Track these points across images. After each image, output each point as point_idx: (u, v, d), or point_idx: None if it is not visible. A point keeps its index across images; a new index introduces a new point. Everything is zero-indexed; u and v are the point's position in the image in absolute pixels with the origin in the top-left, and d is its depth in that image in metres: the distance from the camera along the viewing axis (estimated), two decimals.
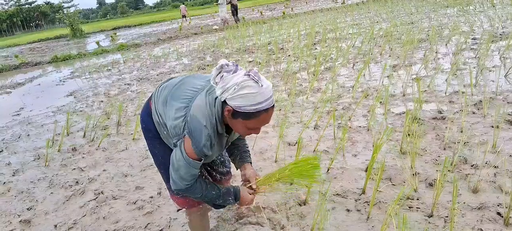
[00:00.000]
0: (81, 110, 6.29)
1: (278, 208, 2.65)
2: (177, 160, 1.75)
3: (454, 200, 2.13)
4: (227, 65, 1.65)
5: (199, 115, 1.66)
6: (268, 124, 1.78)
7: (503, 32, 7.53)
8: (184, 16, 32.07)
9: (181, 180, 1.78)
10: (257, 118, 1.64)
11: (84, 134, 4.91)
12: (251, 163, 2.16)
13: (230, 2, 20.12)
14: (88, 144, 4.58)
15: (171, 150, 1.91)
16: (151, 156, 2.12)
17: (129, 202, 3.06)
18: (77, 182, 3.58)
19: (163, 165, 2.03)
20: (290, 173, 2.01)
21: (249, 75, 1.61)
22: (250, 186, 2.04)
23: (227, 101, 1.63)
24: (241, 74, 1.63)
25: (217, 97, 1.68)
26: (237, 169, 2.17)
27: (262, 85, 1.60)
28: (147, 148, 2.10)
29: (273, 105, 1.68)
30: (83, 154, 4.29)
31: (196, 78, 1.87)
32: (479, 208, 2.37)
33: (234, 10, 20.45)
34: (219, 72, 1.65)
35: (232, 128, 1.77)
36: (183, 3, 38.35)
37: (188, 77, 1.90)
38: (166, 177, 2.05)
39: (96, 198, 3.21)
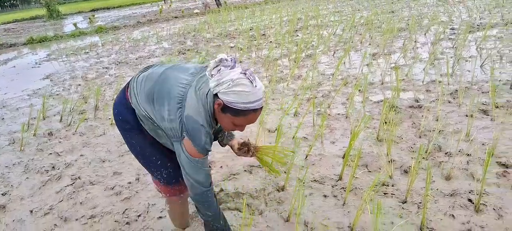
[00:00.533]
0: (57, 94, 6.16)
1: (256, 194, 2.68)
2: (185, 165, 1.76)
3: (427, 187, 2.19)
4: (226, 60, 1.66)
5: (194, 114, 1.66)
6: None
7: (480, 23, 7.68)
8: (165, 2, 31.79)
9: (197, 183, 1.78)
10: (245, 116, 1.67)
11: (61, 118, 4.82)
12: None
13: None
14: (65, 128, 4.50)
15: (151, 139, 1.94)
16: None
17: (107, 187, 3.04)
18: (53, 167, 3.52)
19: (141, 155, 2.01)
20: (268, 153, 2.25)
21: (245, 73, 1.63)
22: (253, 146, 2.21)
23: (219, 95, 1.65)
24: (237, 71, 1.64)
25: (208, 92, 1.69)
26: (223, 146, 2.24)
27: (255, 86, 1.63)
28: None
29: (262, 106, 1.71)
30: (60, 138, 4.21)
31: (179, 71, 1.83)
32: (451, 194, 2.44)
33: None
34: (217, 66, 1.66)
35: (218, 121, 1.79)
36: None
37: (170, 70, 1.85)
38: (147, 165, 2.05)
39: (73, 183, 3.17)
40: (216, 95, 1.67)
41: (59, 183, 3.21)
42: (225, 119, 1.72)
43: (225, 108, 1.66)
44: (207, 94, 1.69)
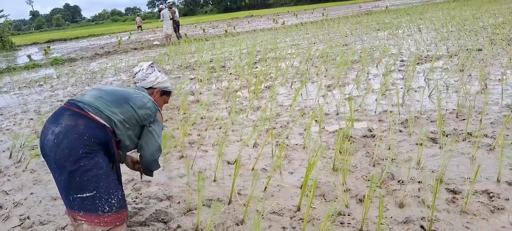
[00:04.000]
0: (8, 129, 5.89)
1: (215, 229, 2.65)
2: (158, 132, 2.43)
3: (380, 215, 2.26)
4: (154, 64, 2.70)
5: (152, 99, 2.47)
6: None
7: (427, 55, 8.15)
8: (139, 27, 33.58)
9: (160, 148, 2.46)
10: (171, 95, 2.82)
11: (10, 154, 4.60)
12: None
13: (172, 19, 19.95)
14: (15, 165, 4.29)
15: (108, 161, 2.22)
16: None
17: (58, 227, 2.90)
18: (0, 206, 3.34)
19: (106, 174, 2.13)
20: None
21: (160, 71, 2.69)
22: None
23: (156, 85, 2.62)
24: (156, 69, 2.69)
25: (142, 89, 2.55)
26: (121, 162, 2.66)
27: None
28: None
29: None
30: (9, 176, 4.01)
31: (109, 86, 2.48)
32: (404, 222, 2.52)
33: (176, 26, 20.26)
34: (151, 67, 2.65)
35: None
36: (138, 15, 39.32)
37: (104, 87, 2.39)
38: (107, 187, 2.12)
39: (22, 224, 3.00)
40: (149, 88, 2.60)
41: (6, 224, 3.04)
42: (160, 100, 2.70)
43: (163, 92, 2.70)
44: (143, 91, 2.53)
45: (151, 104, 2.37)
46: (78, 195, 2.07)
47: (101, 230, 2.13)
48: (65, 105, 2.20)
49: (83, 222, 2.09)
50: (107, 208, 2.11)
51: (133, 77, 2.72)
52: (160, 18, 20.02)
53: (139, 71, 2.64)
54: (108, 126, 2.15)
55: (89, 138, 2.07)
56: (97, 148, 2.11)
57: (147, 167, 2.51)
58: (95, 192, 2.08)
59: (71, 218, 2.16)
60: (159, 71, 2.66)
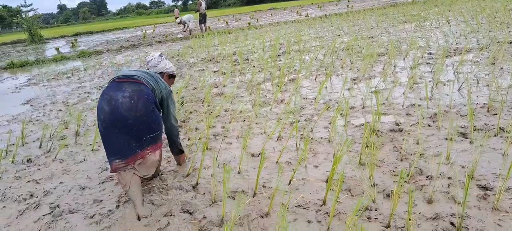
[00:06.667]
0: (37, 120, 6.05)
1: (240, 221, 2.65)
2: (175, 107, 3.29)
3: (409, 211, 2.21)
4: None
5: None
6: None
7: (457, 48, 7.91)
8: (177, 18, 34.84)
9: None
10: (175, 78, 3.65)
11: (40, 144, 4.72)
12: None
13: (198, 11, 20.05)
14: (44, 155, 4.41)
15: None
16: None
17: (87, 216, 2.96)
18: (31, 195, 3.43)
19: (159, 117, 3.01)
20: None
21: (167, 59, 3.31)
22: None
23: (166, 70, 3.45)
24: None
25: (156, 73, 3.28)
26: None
27: None
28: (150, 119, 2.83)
29: None
30: (39, 165, 4.12)
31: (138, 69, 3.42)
32: (433, 218, 2.46)
33: (202, 19, 20.32)
34: (161, 57, 3.44)
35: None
36: (176, 7, 39.98)
37: (135, 70, 3.12)
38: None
39: (52, 212, 3.08)
40: (160, 73, 3.40)
41: (37, 212, 3.13)
42: (169, 82, 3.52)
43: (171, 76, 3.54)
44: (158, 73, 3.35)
45: (167, 85, 3.19)
46: (151, 135, 2.84)
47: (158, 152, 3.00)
48: (118, 80, 2.84)
49: (150, 153, 2.89)
50: (161, 138, 3.00)
51: (146, 64, 3.48)
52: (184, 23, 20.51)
53: (151, 59, 3.43)
54: (152, 92, 2.89)
55: (153, 98, 2.86)
56: (154, 101, 2.86)
57: (172, 131, 3.34)
58: (159, 131, 2.93)
59: (140, 159, 2.83)
60: (167, 59, 3.48)
